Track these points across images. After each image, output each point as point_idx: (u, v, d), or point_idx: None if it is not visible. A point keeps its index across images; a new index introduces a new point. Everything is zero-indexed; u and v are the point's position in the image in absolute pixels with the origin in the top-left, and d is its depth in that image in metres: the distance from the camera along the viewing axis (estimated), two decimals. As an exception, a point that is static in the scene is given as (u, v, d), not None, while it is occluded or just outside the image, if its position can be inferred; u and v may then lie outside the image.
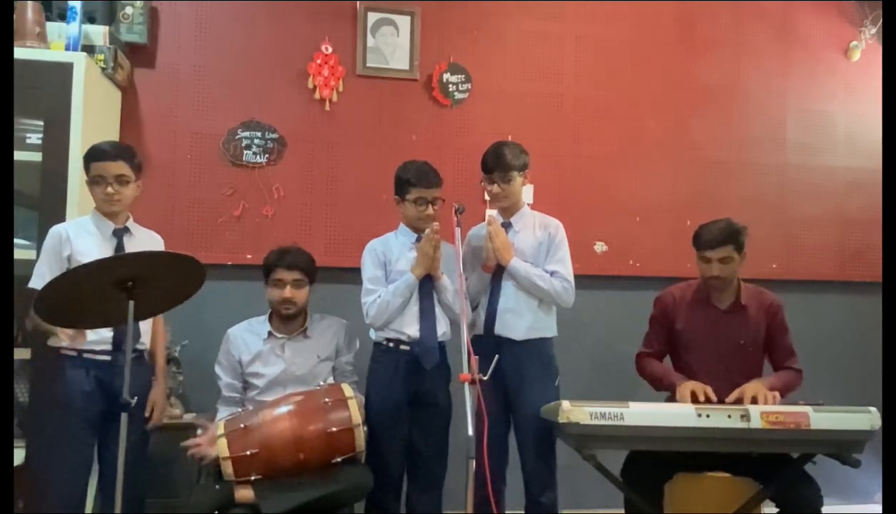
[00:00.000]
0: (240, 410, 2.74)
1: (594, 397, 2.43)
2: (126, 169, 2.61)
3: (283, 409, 2.56)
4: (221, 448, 2.46)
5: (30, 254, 2.80)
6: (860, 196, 4.04)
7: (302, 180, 3.61)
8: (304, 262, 2.86)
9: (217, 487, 2.49)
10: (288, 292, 2.80)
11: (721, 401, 2.57)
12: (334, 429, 2.51)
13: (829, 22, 4.10)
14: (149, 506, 2.79)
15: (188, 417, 3.20)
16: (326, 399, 2.57)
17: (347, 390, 2.61)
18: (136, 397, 2.24)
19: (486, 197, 3.03)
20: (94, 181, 2.60)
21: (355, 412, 2.54)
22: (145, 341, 2.68)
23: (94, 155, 2.61)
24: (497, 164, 2.82)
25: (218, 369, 2.83)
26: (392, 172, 2.88)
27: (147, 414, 2.64)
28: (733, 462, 2.63)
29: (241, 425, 2.51)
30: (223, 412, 2.75)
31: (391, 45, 3.70)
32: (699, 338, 2.80)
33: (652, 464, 2.57)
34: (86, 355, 2.54)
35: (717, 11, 4.00)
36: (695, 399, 2.56)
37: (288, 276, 2.81)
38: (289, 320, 2.85)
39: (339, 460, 2.52)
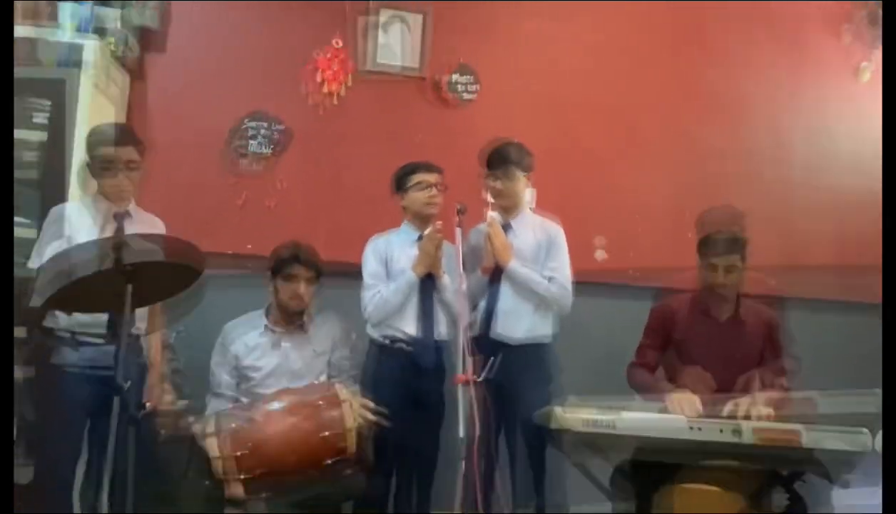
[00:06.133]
0: (230, 405, 2.72)
1: (593, 396, 2.43)
2: (135, 154, 2.57)
3: (276, 410, 2.54)
4: (212, 448, 2.44)
5: (30, 233, 2.78)
6: (859, 180, 3.97)
7: (306, 173, 3.60)
8: (318, 259, 2.82)
9: (207, 483, 2.47)
10: (302, 288, 2.76)
11: (715, 414, 2.57)
12: (327, 433, 2.48)
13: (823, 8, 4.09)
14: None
15: (181, 404, 3.19)
16: (320, 401, 2.54)
17: (342, 392, 2.58)
18: (129, 381, 2.23)
19: (489, 198, 3.02)
20: (102, 167, 2.55)
21: (348, 415, 2.51)
22: (140, 325, 2.66)
23: (102, 139, 2.55)
24: (500, 160, 2.83)
25: (213, 365, 2.82)
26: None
27: (144, 401, 2.64)
28: (722, 476, 2.63)
29: (232, 425, 2.49)
30: (214, 407, 2.73)
31: (401, 43, 3.69)
32: (696, 349, 2.80)
33: (640, 473, 2.57)
34: (79, 338, 2.53)
35: (724, 14, 3.97)
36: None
37: (304, 273, 2.77)
38: (290, 316, 2.83)
39: (329, 461, 2.50)
